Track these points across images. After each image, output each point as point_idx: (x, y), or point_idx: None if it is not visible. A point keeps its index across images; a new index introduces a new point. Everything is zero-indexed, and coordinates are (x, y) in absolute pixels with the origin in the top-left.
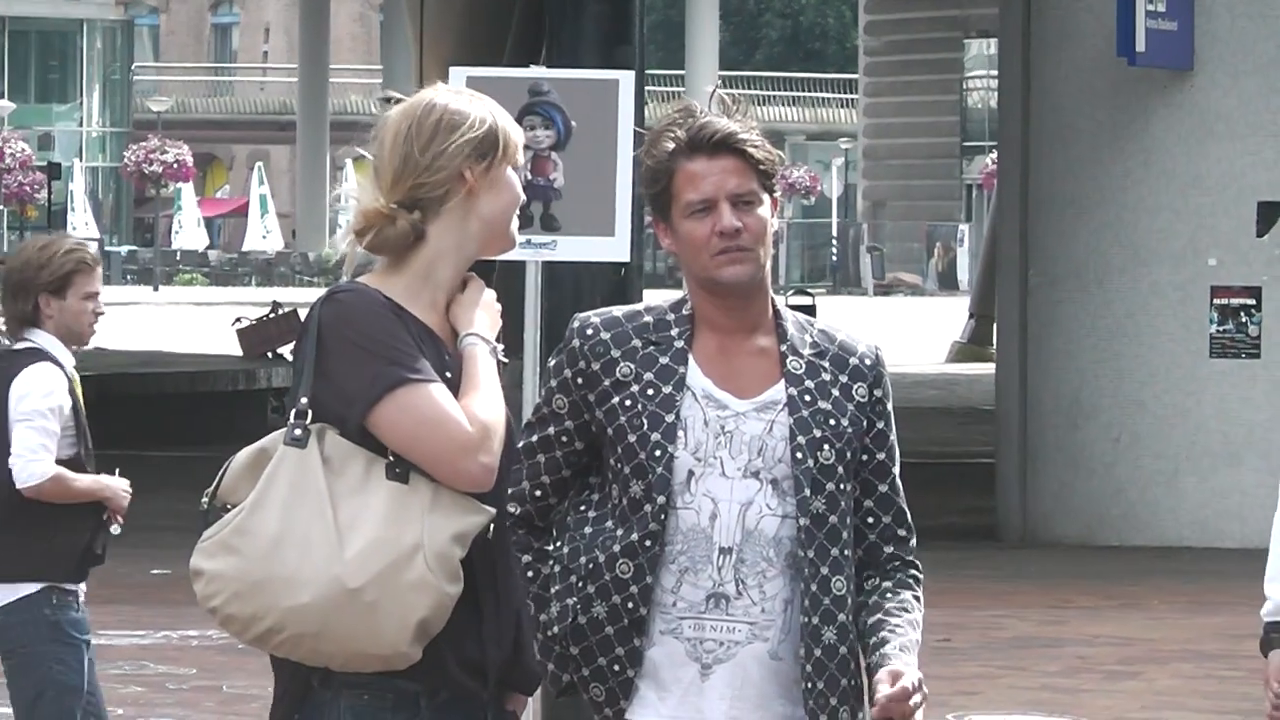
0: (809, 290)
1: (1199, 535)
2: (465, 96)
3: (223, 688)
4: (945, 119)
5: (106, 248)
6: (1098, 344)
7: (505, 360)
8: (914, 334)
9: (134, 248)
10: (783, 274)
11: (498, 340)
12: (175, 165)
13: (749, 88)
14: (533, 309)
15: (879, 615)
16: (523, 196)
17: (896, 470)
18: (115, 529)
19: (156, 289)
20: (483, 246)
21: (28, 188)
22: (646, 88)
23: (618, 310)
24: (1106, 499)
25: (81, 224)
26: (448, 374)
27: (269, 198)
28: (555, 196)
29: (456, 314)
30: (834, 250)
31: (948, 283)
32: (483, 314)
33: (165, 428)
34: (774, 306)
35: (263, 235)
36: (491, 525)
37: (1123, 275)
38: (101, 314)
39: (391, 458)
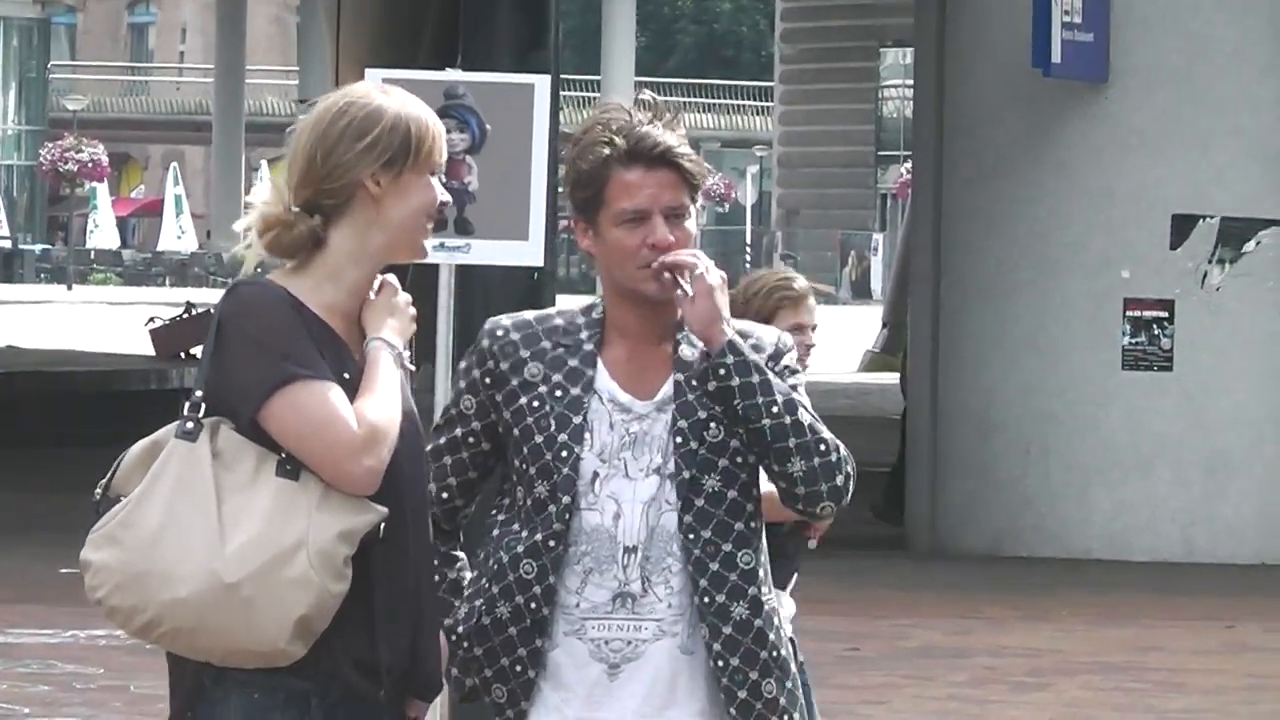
0: None
1: (1108, 548)
2: (386, 97)
3: (130, 688)
4: (860, 128)
5: (20, 245)
6: (1008, 355)
7: (413, 367)
8: (827, 342)
9: (48, 246)
10: None
11: (411, 345)
12: (90, 164)
13: (664, 94)
14: (446, 313)
15: None
16: (440, 199)
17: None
18: None
19: (70, 288)
20: (389, 253)
21: None
22: (562, 92)
23: (529, 313)
24: (1015, 510)
25: None
26: (346, 376)
27: (184, 198)
28: (469, 200)
29: (367, 318)
30: (748, 258)
31: (861, 291)
32: (391, 318)
33: (77, 426)
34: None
35: (177, 235)
36: (383, 525)
37: (1034, 287)
38: (812, 345)
39: (283, 454)
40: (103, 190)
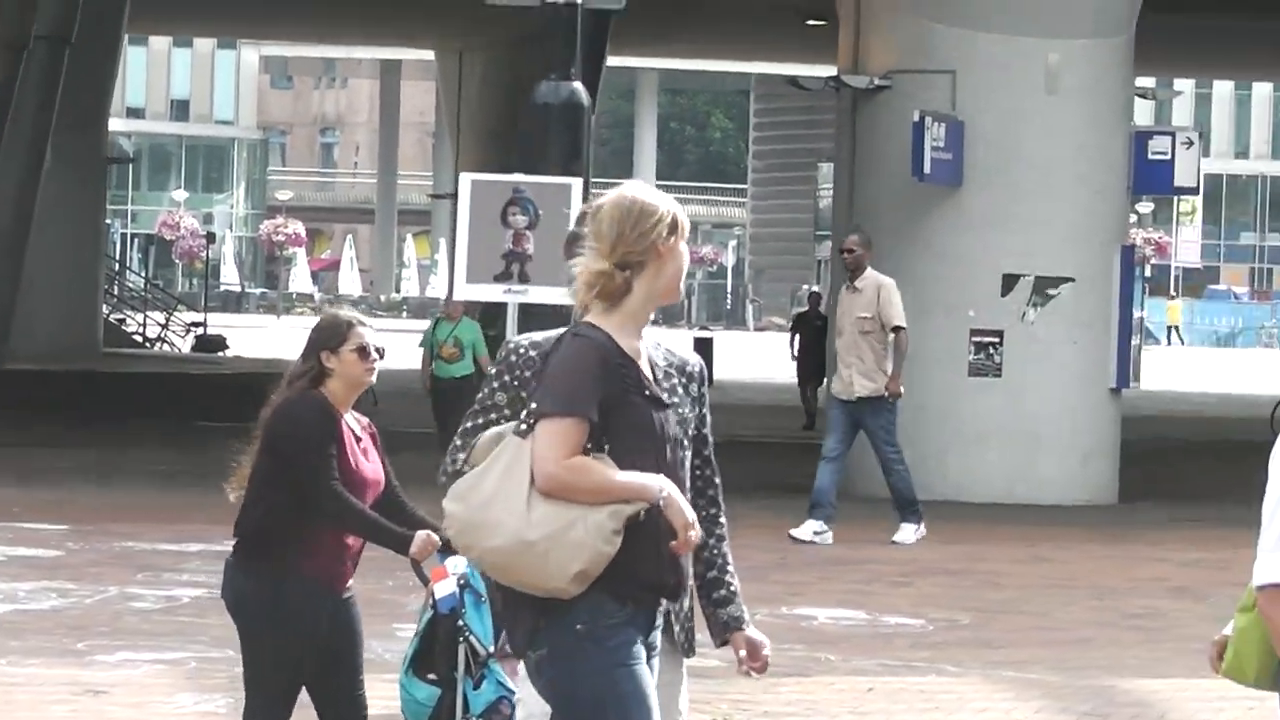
0: (709, 328)
1: None
2: (650, 192)
3: None
4: (805, 215)
5: (246, 289)
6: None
7: (617, 526)
8: (785, 361)
9: (265, 290)
10: (694, 316)
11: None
12: (294, 236)
13: (677, 192)
14: (508, 332)
15: (715, 573)
16: (686, 263)
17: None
18: None
19: (279, 317)
20: (666, 296)
21: (194, 249)
22: (596, 189)
23: (538, 335)
24: None
25: (230, 274)
26: (647, 393)
27: (355, 259)
28: (529, 260)
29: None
30: (728, 302)
31: None
32: (679, 512)
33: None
34: None
35: (351, 282)
36: (642, 512)
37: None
38: None
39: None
40: (301, 254)
